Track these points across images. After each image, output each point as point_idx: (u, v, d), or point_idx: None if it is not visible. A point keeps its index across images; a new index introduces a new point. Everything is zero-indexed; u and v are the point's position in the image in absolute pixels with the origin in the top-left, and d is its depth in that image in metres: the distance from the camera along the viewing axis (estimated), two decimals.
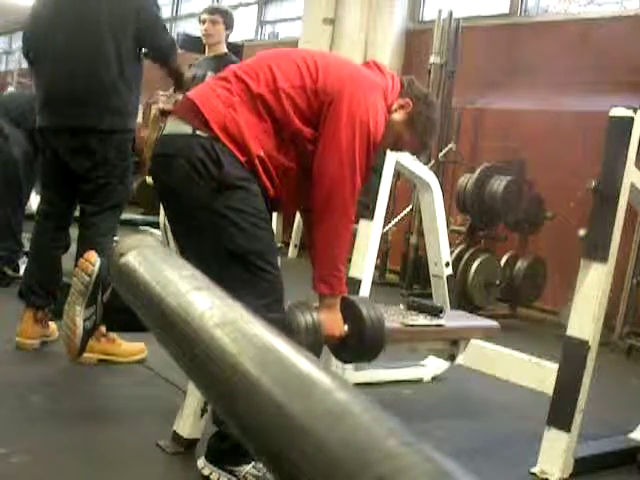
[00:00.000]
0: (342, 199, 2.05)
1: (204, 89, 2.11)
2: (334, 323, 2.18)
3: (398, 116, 2.24)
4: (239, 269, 1.99)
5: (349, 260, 3.18)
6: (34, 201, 4.65)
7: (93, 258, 2.19)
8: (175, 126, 2.05)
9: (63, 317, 2.22)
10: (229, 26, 4.50)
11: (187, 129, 2.00)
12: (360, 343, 2.21)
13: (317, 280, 2.14)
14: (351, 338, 2.21)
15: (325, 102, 2.05)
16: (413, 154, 2.64)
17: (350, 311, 2.21)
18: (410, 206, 6.24)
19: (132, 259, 1.06)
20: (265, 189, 2.06)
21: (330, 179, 2.04)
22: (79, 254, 3.14)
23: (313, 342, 2.09)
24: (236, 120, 2.00)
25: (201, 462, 2.16)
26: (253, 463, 2.10)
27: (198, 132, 1.99)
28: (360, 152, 2.06)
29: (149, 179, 2.36)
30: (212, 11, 4.49)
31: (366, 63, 2.33)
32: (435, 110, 2.35)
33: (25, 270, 3.36)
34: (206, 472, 2.13)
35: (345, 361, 2.51)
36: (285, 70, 2.07)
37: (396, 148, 2.43)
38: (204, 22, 4.45)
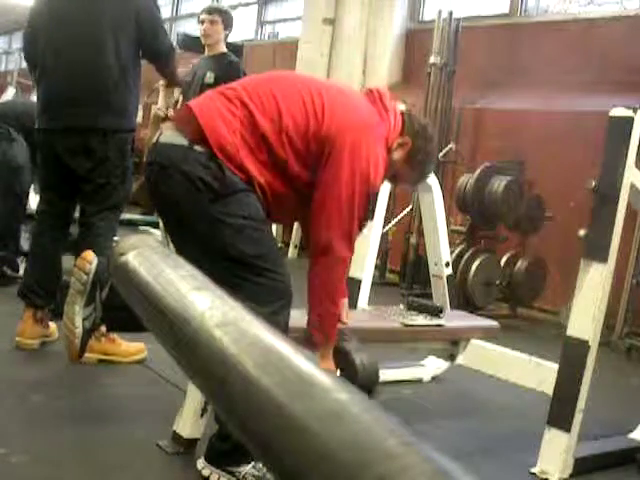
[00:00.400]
0: (339, 250, 2.07)
1: (208, 105, 2.07)
2: (327, 366, 2.17)
3: (397, 155, 2.25)
4: (246, 274, 1.99)
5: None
6: (34, 201, 4.66)
7: (90, 257, 2.19)
8: (173, 137, 2.03)
9: (63, 317, 2.22)
10: (228, 26, 4.50)
11: (184, 142, 1.99)
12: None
13: (312, 327, 2.15)
14: None
15: (326, 148, 2.04)
16: (412, 185, 2.65)
17: (342, 359, 2.23)
18: (410, 206, 6.23)
19: (132, 259, 1.06)
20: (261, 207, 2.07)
21: (327, 231, 2.05)
22: (78, 254, 3.14)
23: None
24: (237, 146, 1.98)
25: (201, 463, 2.16)
26: (253, 463, 2.10)
27: (195, 147, 1.97)
28: (359, 204, 2.07)
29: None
30: (210, 11, 4.49)
31: (369, 92, 2.30)
32: (433, 141, 2.36)
33: (25, 270, 3.36)
34: (206, 473, 2.13)
35: None
36: (290, 104, 2.05)
37: (394, 182, 2.45)
38: (203, 22, 4.45)
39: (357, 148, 2.05)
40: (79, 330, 2.16)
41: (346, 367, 2.22)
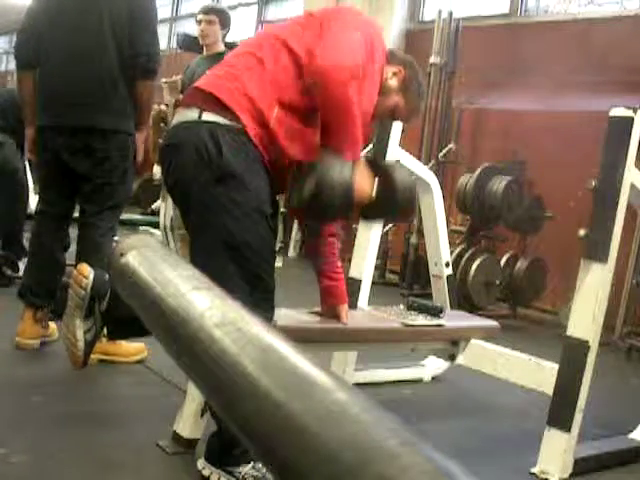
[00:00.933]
0: (345, 98, 1.95)
1: (207, 76, 2.13)
2: (364, 181, 2.09)
3: (393, 83, 2.26)
4: (228, 260, 1.98)
5: (349, 260, 3.18)
6: (33, 201, 4.66)
7: (86, 271, 2.19)
8: (182, 116, 2.06)
9: (62, 330, 2.22)
10: (225, 25, 4.50)
11: (193, 115, 2.01)
12: (391, 201, 2.14)
13: (340, 151, 2.03)
14: (382, 198, 2.12)
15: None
16: (406, 121, 2.61)
17: (380, 171, 2.14)
18: None
19: (132, 259, 1.06)
20: (281, 150, 2.03)
21: (335, 79, 1.94)
22: (79, 254, 3.14)
23: (343, 199, 2.02)
24: (244, 91, 1.99)
25: (201, 463, 2.16)
26: (253, 463, 2.10)
27: (204, 116, 1.99)
28: (359, 49, 2.00)
29: (156, 170, 2.38)
30: (207, 11, 4.49)
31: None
32: (421, 74, 2.39)
33: (24, 270, 3.36)
34: (206, 473, 2.13)
35: (373, 218, 2.48)
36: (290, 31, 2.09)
37: (391, 117, 2.43)
38: (200, 22, 4.46)
39: (344, 20, 2.07)
40: (81, 343, 2.16)
41: (385, 182, 2.12)
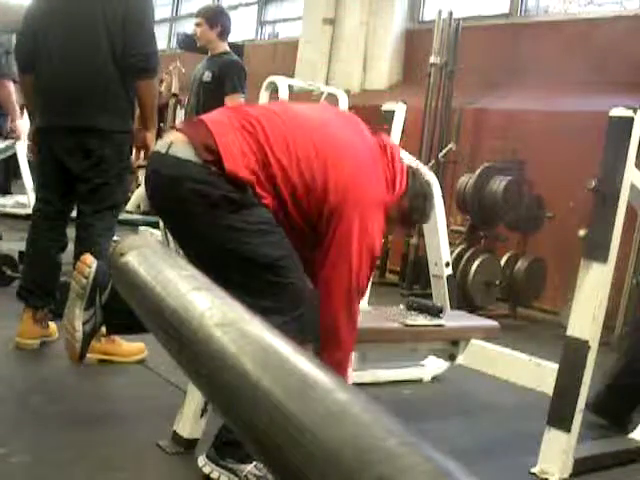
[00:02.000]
0: (345, 339, 2.11)
1: (225, 129, 2.04)
2: None
3: (393, 214, 2.24)
4: (270, 277, 2.02)
5: None
6: (30, 201, 4.65)
7: (89, 260, 2.19)
8: (185, 151, 2.01)
9: (63, 321, 2.22)
10: (213, 25, 4.48)
11: (198, 159, 1.98)
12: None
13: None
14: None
15: (327, 212, 2.04)
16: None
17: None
18: None
19: (132, 259, 1.06)
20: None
21: (334, 317, 2.08)
22: (77, 254, 3.14)
23: None
24: (249, 181, 1.99)
25: (201, 460, 2.15)
26: (255, 463, 2.10)
27: (210, 167, 1.97)
28: (365, 276, 2.10)
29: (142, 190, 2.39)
30: (197, 14, 4.54)
31: (382, 146, 2.23)
32: (431, 199, 2.42)
33: (22, 271, 3.36)
34: (207, 470, 2.13)
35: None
36: (301, 156, 2.04)
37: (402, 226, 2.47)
38: (195, 24, 4.54)
39: (365, 224, 2.05)
40: (79, 334, 2.16)
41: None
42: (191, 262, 2.14)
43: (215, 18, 4.49)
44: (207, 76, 4.37)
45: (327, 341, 2.10)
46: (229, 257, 2.01)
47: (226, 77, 4.38)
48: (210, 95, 4.32)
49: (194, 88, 4.53)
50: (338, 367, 2.09)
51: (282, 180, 2.01)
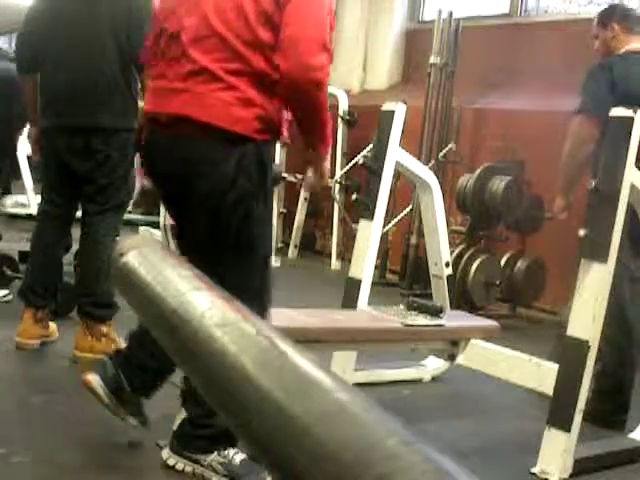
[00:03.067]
0: (320, 62, 1.99)
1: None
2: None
3: None
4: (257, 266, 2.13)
5: (349, 260, 3.18)
6: (34, 201, 4.65)
7: (90, 382, 2.33)
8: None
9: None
10: None
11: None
12: None
13: (313, 140, 2.17)
14: None
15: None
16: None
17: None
18: (410, 206, 6.23)
19: (132, 259, 1.06)
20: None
21: (314, 58, 1.97)
22: (80, 254, 3.15)
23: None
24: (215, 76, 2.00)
25: (166, 453, 2.22)
26: (218, 452, 2.16)
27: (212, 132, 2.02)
28: (327, 26, 2.02)
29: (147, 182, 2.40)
30: None
31: None
32: None
33: (25, 270, 3.36)
34: (171, 462, 2.19)
35: None
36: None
37: None
38: None
39: None
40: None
41: None
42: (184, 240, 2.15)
43: None
44: None
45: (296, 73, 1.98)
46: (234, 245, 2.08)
47: None
48: None
49: None
50: (325, 128, 2.10)
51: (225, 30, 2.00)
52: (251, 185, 2.04)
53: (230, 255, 2.05)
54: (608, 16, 3.51)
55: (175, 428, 2.22)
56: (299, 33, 1.96)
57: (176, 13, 2.08)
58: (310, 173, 2.30)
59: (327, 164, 2.28)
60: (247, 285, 2.00)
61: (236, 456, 2.18)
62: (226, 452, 2.17)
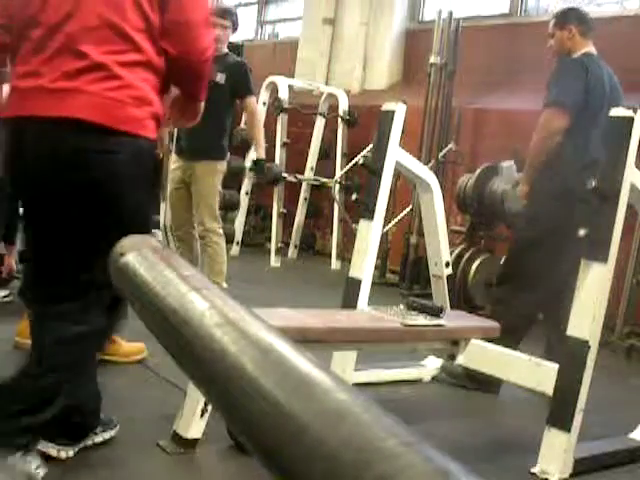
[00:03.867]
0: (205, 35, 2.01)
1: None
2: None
3: None
4: None
5: (349, 260, 3.18)
6: None
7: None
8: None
9: None
10: (236, 28, 4.47)
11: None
12: None
13: (195, 95, 2.14)
14: None
15: None
16: None
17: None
18: (410, 206, 6.24)
19: (132, 259, 1.06)
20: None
21: (203, 39, 1.99)
22: None
23: None
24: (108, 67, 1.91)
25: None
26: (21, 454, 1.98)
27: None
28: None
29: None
30: (223, 14, 4.36)
31: None
32: None
33: (24, 269, 3.36)
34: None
35: None
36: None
37: None
38: (214, 25, 4.33)
39: None
40: None
41: None
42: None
43: (237, 21, 4.45)
44: (221, 78, 4.33)
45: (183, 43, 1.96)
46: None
47: (241, 79, 4.36)
48: (222, 97, 4.29)
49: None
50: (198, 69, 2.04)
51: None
52: (145, 183, 2.01)
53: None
54: (566, 17, 3.75)
55: None
56: (185, 17, 1.94)
57: (50, 3, 1.88)
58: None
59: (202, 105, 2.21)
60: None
61: (39, 470, 2.00)
62: (30, 465, 1.98)
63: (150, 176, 2.06)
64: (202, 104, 2.21)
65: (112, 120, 1.86)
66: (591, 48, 3.57)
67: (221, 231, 4.45)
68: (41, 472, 1.98)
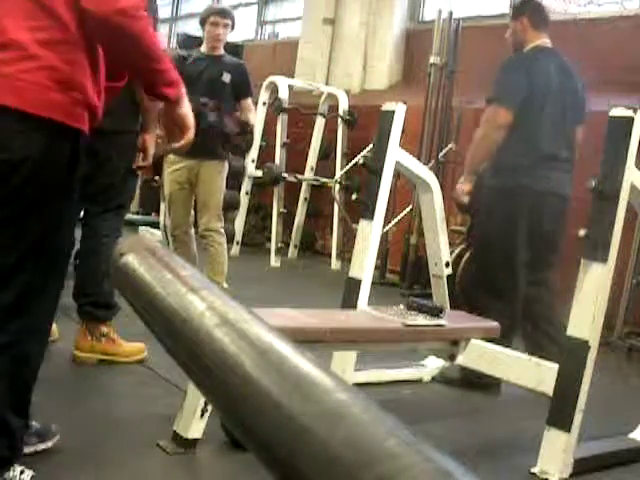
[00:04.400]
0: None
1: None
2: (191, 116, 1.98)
3: None
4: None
5: (349, 260, 3.18)
6: None
7: None
8: None
9: None
10: (234, 28, 4.50)
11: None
12: None
13: (156, 87, 1.87)
14: None
15: None
16: None
17: None
18: (410, 206, 6.24)
19: (132, 259, 1.06)
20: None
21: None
22: (81, 255, 3.14)
23: None
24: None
25: None
26: (14, 467, 1.92)
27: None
28: None
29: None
30: (224, 14, 4.38)
31: None
32: None
33: None
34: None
35: None
36: None
37: None
38: (216, 25, 4.34)
39: None
40: None
41: None
42: None
43: (234, 20, 4.47)
44: (226, 77, 4.33)
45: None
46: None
47: (244, 80, 4.38)
48: (228, 97, 4.30)
49: (205, 87, 4.36)
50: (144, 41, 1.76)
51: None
52: (64, 176, 1.82)
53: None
54: (520, 9, 3.80)
55: None
56: None
57: None
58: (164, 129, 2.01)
59: (186, 110, 1.94)
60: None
61: (24, 475, 1.95)
62: (12, 473, 1.92)
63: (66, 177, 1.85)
64: (188, 106, 1.93)
65: (29, 104, 1.68)
66: (544, 41, 3.62)
67: (223, 231, 4.45)
68: (27, 476, 1.92)
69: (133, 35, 1.72)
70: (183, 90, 1.92)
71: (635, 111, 2.45)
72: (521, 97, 3.37)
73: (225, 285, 4.32)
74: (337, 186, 6.96)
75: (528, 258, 3.42)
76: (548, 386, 2.56)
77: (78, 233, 3.18)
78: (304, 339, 2.17)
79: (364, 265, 3.03)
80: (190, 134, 1.97)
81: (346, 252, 6.60)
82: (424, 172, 3.32)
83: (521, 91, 3.38)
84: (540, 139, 3.39)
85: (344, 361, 3.08)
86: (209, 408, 2.30)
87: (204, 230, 4.37)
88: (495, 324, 3.17)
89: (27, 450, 2.07)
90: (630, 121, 2.45)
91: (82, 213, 3.23)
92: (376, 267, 3.50)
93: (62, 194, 1.83)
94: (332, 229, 7.15)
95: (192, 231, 4.45)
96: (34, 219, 1.78)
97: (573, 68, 3.63)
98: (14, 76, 1.66)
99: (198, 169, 4.28)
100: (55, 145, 1.76)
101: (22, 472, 1.95)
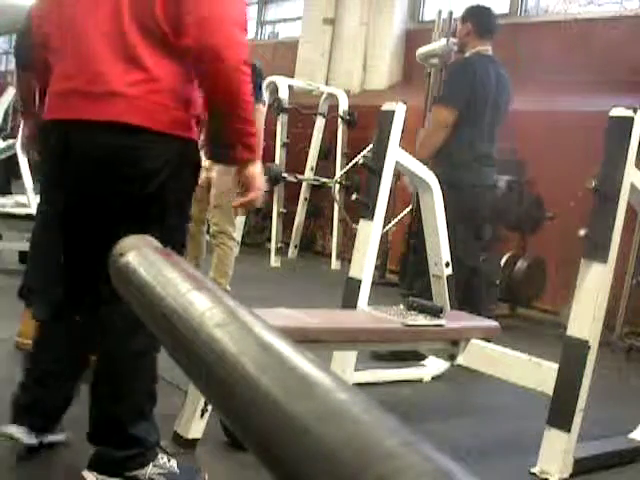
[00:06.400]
0: (238, 38, 1.81)
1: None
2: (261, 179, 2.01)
3: None
4: None
5: (349, 260, 3.18)
6: (35, 201, 4.65)
7: None
8: None
9: None
10: None
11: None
12: None
13: (234, 149, 1.91)
14: None
15: None
16: None
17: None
18: (410, 206, 6.23)
19: (132, 259, 1.06)
20: None
21: (233, 38, 1.78)
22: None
23: None
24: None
25: (92, 476, 1.98)
26: (152, 462, 2.01)
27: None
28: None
29: None
30: None
31: None
32: None
33: (25, 270, 3.36)
34: None
35: None
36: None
37: None
38: None
39: None
40: None
41: None
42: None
43: None
44: None
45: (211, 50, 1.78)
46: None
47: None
48: None
49: None
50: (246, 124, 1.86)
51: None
52: (192, 181, 2.04)
53: None
54: (468, 14, 3.96)
55: (94, 452, 2.02)
56: (207, 11, 1.77)
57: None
58: (237, 188, 2.03)
59: (255, 173, 1.96)
60: None
61: (171, 462, 2.05)
62: (161, 461, 2.02)
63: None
64: (259, 169, 1.97)
65: (155, 123, 1.84)
66: (485, 47, 3.86)
67: (235, 235, 4.48)
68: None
69: (238, 88, 1.83)
70: (258, 154, 2.00)
71: (635, 111, 2.45)
72: (464, 99, 3.67)
73: (228, 288, 4.33)
74: (337, 186, 6.96)
75: (469, 243, 3.78)
76: (548, 386, 2.56)
77: None
78: (304, 339, 2.17)
79: (364, 265, 3.03)
80: (253, 195, 2.00)
81: (346, 252, 6.60)
82: (424, 172, 3.32)
83: (465, 93, 3.67)
84: (478, 139, 3.76)
85: (344, 361, 3.08)
86: (209, 408, 2.30)
87: (216, 231, 4.40)
88: (495, 324, 3.17)
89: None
90: (630, 121, 2.44)
91: None
92: (376, 267, 3.50)
93: (190, 196, 2.04)
94: (332, 229, 7.15)
95: (204, 228, 4.50)
96: (174, 216, 1.98)
97: (507, 76, 4.01)
98: (144, 98, 1.82)
99: (212, 169, 4.30)
100: (183, 155, 1.92)
101: (169, 460, 2.07)
